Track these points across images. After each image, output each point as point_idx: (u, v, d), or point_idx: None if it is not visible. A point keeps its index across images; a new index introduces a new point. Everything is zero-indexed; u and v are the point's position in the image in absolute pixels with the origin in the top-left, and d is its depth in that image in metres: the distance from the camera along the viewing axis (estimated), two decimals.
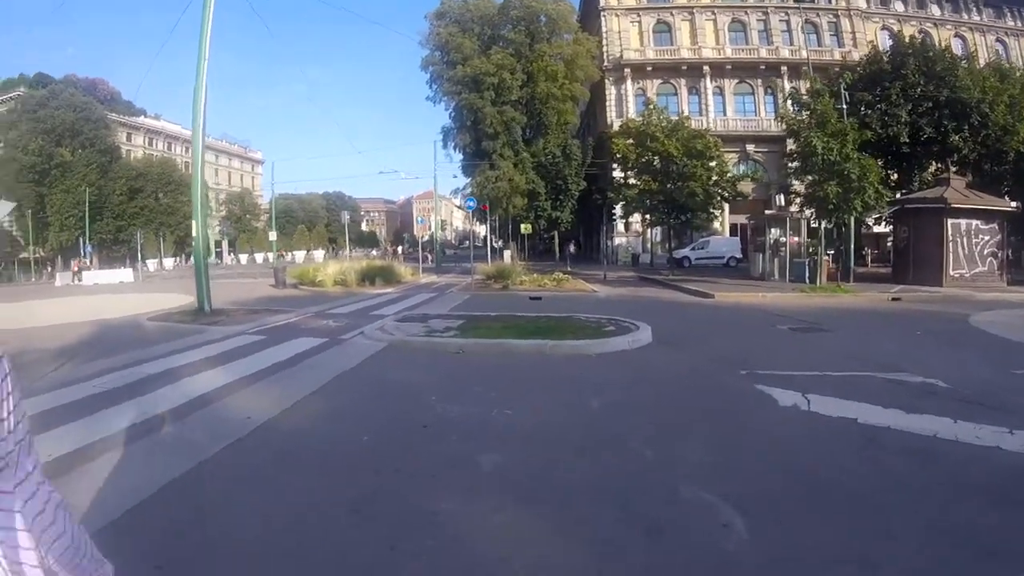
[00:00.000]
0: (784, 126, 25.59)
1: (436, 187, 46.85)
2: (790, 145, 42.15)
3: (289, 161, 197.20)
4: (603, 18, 48.84)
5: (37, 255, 59.74)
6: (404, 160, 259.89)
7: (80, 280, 40.63)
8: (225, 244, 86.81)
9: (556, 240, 48.00)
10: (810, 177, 22.42)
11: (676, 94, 46.61)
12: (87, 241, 54.15)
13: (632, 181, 29.98)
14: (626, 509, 3.79)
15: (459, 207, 50.68)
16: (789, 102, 27.00)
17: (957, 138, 26.88)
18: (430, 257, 39.46)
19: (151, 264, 61.87)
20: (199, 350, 9.84)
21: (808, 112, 23.02)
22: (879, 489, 4.08)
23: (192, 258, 59.84)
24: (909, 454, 4.75)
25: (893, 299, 18.90)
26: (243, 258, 79.52)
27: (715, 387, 7.14)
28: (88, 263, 46.39)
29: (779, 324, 12.90)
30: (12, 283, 51.37)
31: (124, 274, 44.89)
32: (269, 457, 4.85)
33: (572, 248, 45.66)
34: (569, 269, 31.95)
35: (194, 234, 16.33)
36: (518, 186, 42.15)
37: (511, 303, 17.53)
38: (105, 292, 28.76)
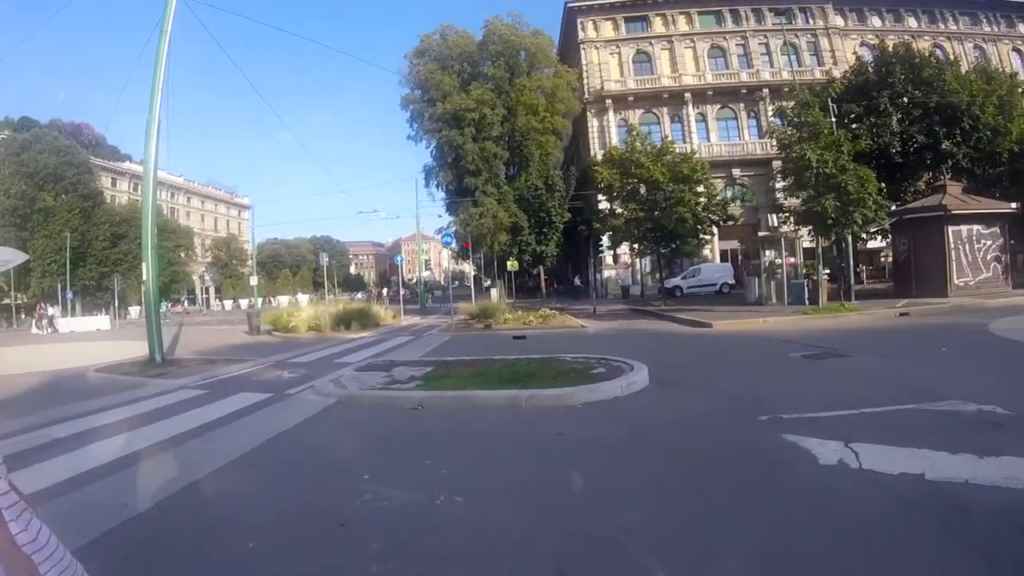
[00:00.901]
0: (774, 142, 24.56)
1: (418, 226, 45.70)
2: (777, 166, 41.65)
3: (276, 205, 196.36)
4: (582, 51, 48.63)
5: (19, 301, 58.09)
6: (389, 201, 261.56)
7: (54, 328, 39.61)
8: (212, 290, 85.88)
9: (542, 276, 46.55)
10: (804, 193, 21.25)
11: (659, 123, 45.97)
12: (68, 287, 53.16)
13: (618, 210, 28.70)
14: None
15: (451, 249, 49.33)
16: (777, 118, 26.03)
17: (949, 143, 26.25)
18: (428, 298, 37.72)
19: (134, 311, 60.39)
20: (127, 408, 8.89)
21: (799, 125, 21.90)
22: None
23: (160, 304, 58.67)
24: (1011, 522, 3.48)
25: (901, 314, 18.02)
26: (228, 304, 77.90)
27: (733, 443, 5.58)
28: (48, 311, 44.91)
29: (789, 351, 11.53)
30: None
31: (101, 321, 44.48)
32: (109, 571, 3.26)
33: (555, 284, 44.43)
34: (556, 305, 30.61)
35: (144, 278, 15.36)
36: (502, 222, 40.92)
37: (492, 344, 16.25)
38: (75, 340, 28.19)
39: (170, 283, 71.42)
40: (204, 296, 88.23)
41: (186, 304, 78.67)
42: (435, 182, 46.36)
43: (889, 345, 12.34)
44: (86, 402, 9.51)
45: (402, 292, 40.02)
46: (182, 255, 76.59)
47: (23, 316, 54.91)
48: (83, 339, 29.45)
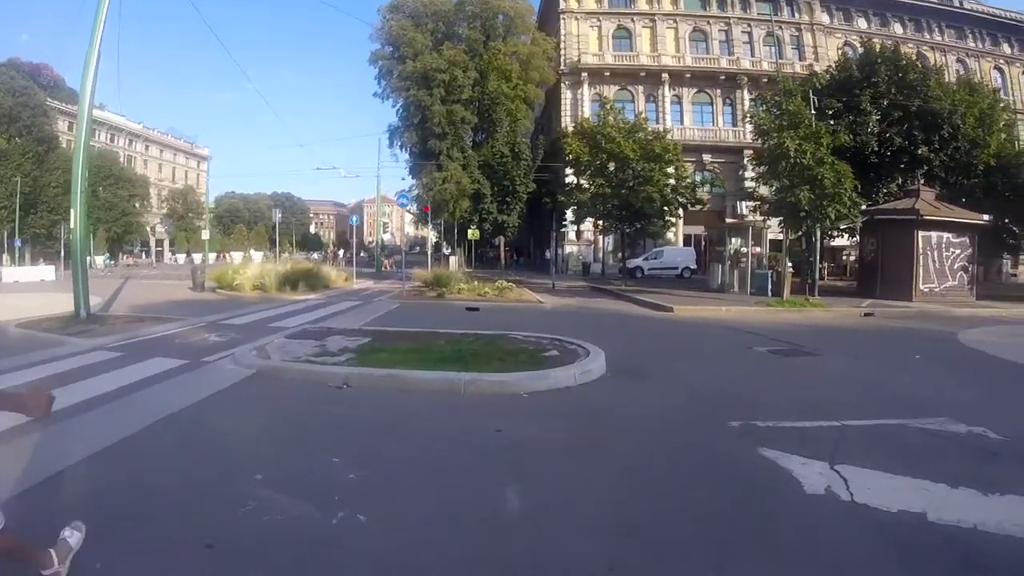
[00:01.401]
0: (750, 128, 23.86)
1: (379, 187, 44.58)
2: (748, 154, 41.24)
3: (238, 159, 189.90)
4: (562, 20, 47.13)
5: None
6: (353, 159, 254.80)
7: None
8: (166, 243, 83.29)
9: (502, 247, 45.52)
10: (778, 183, 20.61)
11: (633, 101, 44.75)
12: (17, 235, 50.66)
13: (585, 185, 27.81)
14: None
15: (409, 211, 48.09)
16: (756, 103, 25.35)
17: (927, 149, 25.68)
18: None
19: (99, 260, 57.40)
20: (32, 370, 7.90)
21: (779, 112, 21.16)
22: None
23: (104, 256, 56.16)
24: None
25: (866, 314, 17.52)
26: (181, 258, 75.35)
27: (702, 457, 4.77)
28: None
29: (755, 345, 10.84)
30: None
31: (46, 271, 41.54)
32: None
33: (516, 256, 43.47)
34: (515, 277, 29.73)
35: (72, 226, 14.16)
36: (465, 188, 39.65)
37: (441, 315, 15.32)
38: (14, 291, 25.76)
39: (123, 234, 69.13)
40: (158, 249, 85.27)
41: (137, 257, 75.91)
42: (399, 143, 44.48)
43: (858, 346, 11.72)
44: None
45: (356, 255, 38.96)
46: (136, 205, 73.49)
47: None
48: (22, 290, 27.45)
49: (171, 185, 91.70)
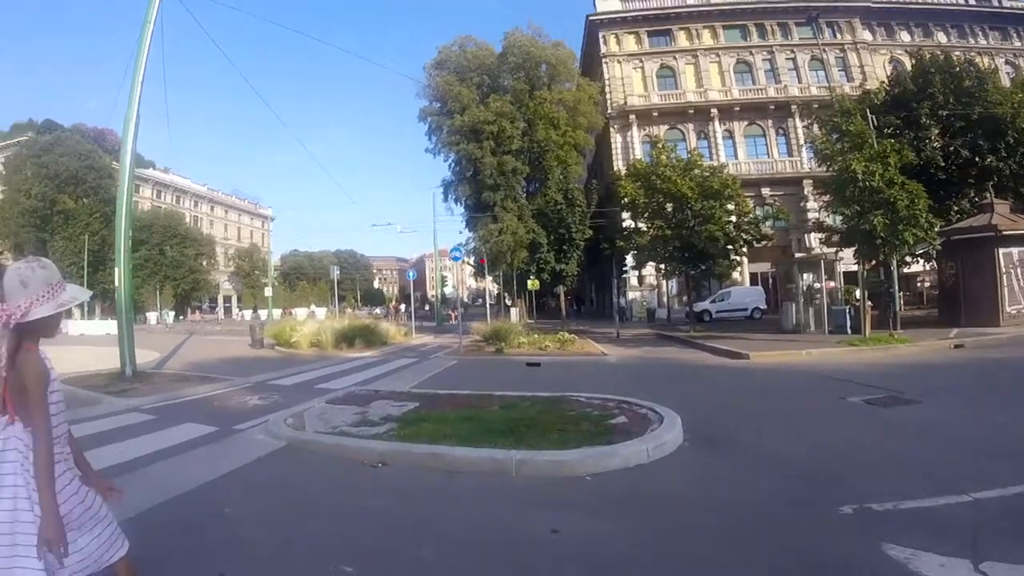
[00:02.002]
0: (810, 156, 22.58)
1: (435, 241, 44.17)
2: (808, 184, 39.72)
3: (300, 218, 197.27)
4: (605, 65, 47.20)
5: None
6: (410, 214, 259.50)
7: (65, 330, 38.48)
8: (234, 299, 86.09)
9: (562, 296, 44.52)
10: (848, 210, 19.22)
11: (685, 139, 43.96)
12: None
13: (643, 228, 26.71)
14: None
15: (470, 264, 48.08)
16: (816, 126, 24.04)
17: (994, 158, 24.05)
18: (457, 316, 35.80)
19: (152, 316, 61.19)
20: None
21: (840, 134, 19.82)
22: None
23: (167, 313, 58.41)
24: None
25: (956, 346, 16.18)
26: (247, 314, 77.35)
27: (813, 562, 3.64)
28: None
29: (846, 394, 9.53)
30: None
31: (112, 326, 42.28)
32: None
33: (576, 305, 42.45)
34: (577, 327, 28.76)
35: (116, 284, 14.21)
36: (521, 239, 39.03)
37: (499, 373, 14.53)
38: (74, 344, 27.43)
39: (191, 291, 71.90)
40: (226, 305, 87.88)
41: (205, 313, 78.32)
42: (454, 196, 44.78)
43: (961, 387, 10.38)
44: None
45: (417, 309, 38.72)
46: (203, 263, 76.52)
47: None
48: (85, 343, 28.72)
49: (236, 244, 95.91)
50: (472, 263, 46.32)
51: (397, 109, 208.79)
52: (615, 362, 16.47)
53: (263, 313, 64.03)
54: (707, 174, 25.15)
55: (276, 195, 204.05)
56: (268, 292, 50.28)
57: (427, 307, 75.73)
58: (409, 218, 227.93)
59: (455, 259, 22.61)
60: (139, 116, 13.90)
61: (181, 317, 68.84)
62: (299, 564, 3.80)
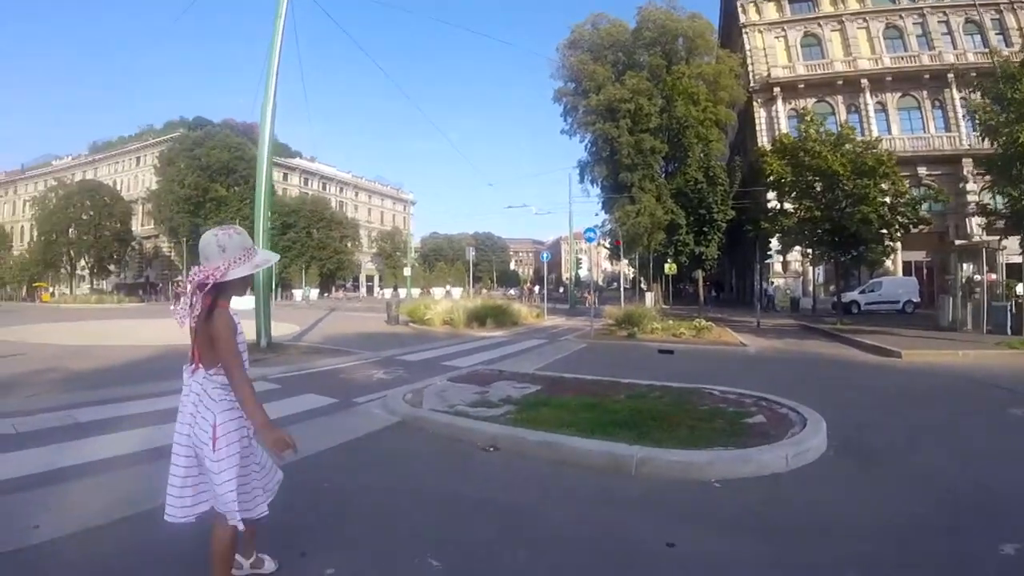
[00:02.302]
0: (975, 124, 19.97)
1: (571, 223, 43.58)
2: (967, 166, 35.52)
3: (440, 202, 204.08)
4: (745, 35, 44.48)
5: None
6: (547, 197, 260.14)
7: None
8: (376, 279, 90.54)
9: (700, 281, 42.65)
10: (1013, 192, 16.88)
11: (834, 112, 40.44)
12: None
13: (789, 209, 24.80)
14: None
15: (605, 247, 47.30)
16: (978, 94, 21.21)
17: None
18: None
19: (297, 294, 65.57)
20: (168, 399, 7.23)
21: (1006, 102, 17.38)
22: None
23: (306, 290, 62.53)
24: None
25: None
26: (388, 292, 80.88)
27: None
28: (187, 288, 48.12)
29: (1009, 405, 8.25)
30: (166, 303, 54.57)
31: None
32: None
33: (716, 291, 40.68)
34: (715, 315, 27.39)
35: None
36: (659, 221, 37.63)
37: (629, 359, 13.86)
38: None
39: (335, 270, 76.35)
40: (368, 284, 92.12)
41: (349, 291, 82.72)
42: (590, 178, 43.78)
43: None
44: (152, 384, 8.85)
45: (550, 291, 38.55)
46: (348, 245, 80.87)
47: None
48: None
49: (379, 227, 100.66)
50: (607, 245, 45.42)
51: (532, 92, 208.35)
52: (754, 354, 15.32)
53: (403, 292, 66.91)
54: (860, 149, 22.87)
55: (417, 180, 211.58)
56: (407, 272, 51.58)
57: (560, 289, 75.60)
58: (544, 200, 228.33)
59: (589, 240, 21.88)
60: (275, 105, 14.31)
61: (325, 295, 73.09)
62: (385, 550, 3.52)
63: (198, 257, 2.71)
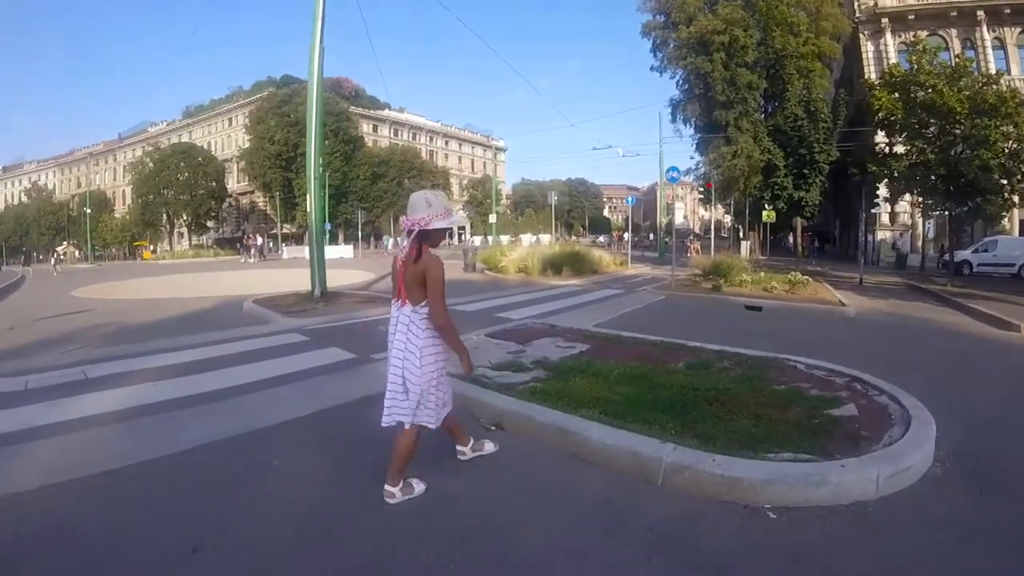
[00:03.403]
0: None
1: (661, 166, 40.65)
2: None
3: (531, 149, 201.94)
4: None
5: (286, 231, 67.81)
6: (638, 139, 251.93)
7: (261, 256, 43.72)
8: (468, 227, 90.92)
9: (798, 231, 39.56)
10: None
11: (947, 47, 35.61)
12: (327, 220, 57.92)
13: (900, 151, 21.94)
14: None
15: (698, 191, 44.72)
16: None
17: None
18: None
19: (389, 242, 66.06)
20: (209, 348, 8.15)
21: None
22: None
23: (386, 239, 63.26)
24: None
25: None
26: (477, 239, 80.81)
27: None
28: (257, 241, 50.57)
29: None
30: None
31: (345, 251, 50.97)
32: None
33: (818, 243, 37.54)
34: (815, 268, 25.14)
35: (308, 210, 14.72)
36: (756, 163, 34.87)
37: (709, 315, 12.51)
38: (301, 267, 29.95)
39: None
40: (460, 231, 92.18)
41: None
42: (682, 117, 41.09)
43: None
44: (186, 336, 9.12)
45: (630, 236, 37.11)
46: None
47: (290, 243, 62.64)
48: (302, 266, 31.53)
49: (470, 175, 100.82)
50: (700, 189, 42.82)
51: (621, 29, 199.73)
52: (853, 315, 13.21)
53: (491, 239, 66.49)
54: (979, 84, 19.73)
55: (509, 127, 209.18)
56: (492, 219, 50.76)
57: (651, 236, 73.16)
58: (636, 142, 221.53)
59: (672, 180, 19.98)
60: (323, 47, 14.02)
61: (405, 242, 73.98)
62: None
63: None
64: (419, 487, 3.55)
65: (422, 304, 3.31)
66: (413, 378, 3.32)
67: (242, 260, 41.99)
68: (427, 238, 3.31)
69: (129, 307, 14.14)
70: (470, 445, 3.98)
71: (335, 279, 19.22)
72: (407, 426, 3.43)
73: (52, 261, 40.22)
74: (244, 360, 7.27)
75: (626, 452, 3.92)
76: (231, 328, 10.06)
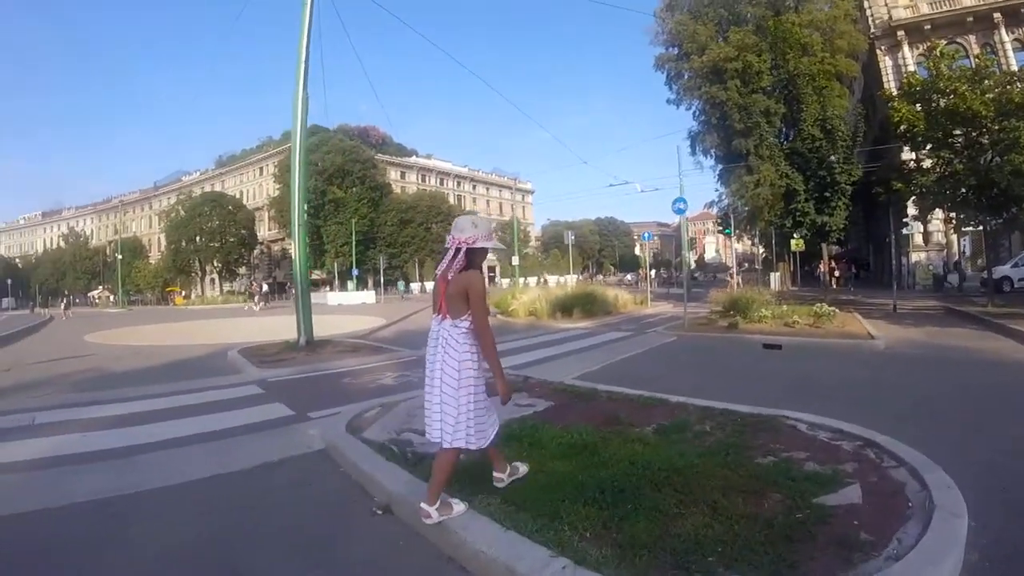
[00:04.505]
0: None
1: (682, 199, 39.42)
2: None
3: (559, 190, 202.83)
4: None
5: (316, 277, 67.35)
6: (656, 172, 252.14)
7: (263, 304, 42.36)
8: (498, 269, 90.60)
9: (825, 258, 37.76)
10: None
11: (967, 55, 32.99)
12: (354, 266, 59.80)
13: (926, 164, 20.35)
14: None
15: (718, 224, 43.44)
16: None
17: None
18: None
19: (415, 288, 66.81)
20: (158, 400, 8.11)
21: None
22: None
23: (402, 286, 63.72)
24: None
25: None
26: (506, 283, 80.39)
27: None
28: (262, 288, 49.62)
29: None
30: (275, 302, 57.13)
31: (368, 296, 51.75)
32: None
33: (854, 269, 35.89)
34: (848, 297, 23.75)
35: (294, 258, 14.72)
36: (777, 189, 33.51)
37: (718, 358, 11.50)
38: (326, 313, 30.46)
39: None
40: (490, 275, 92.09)
41: None
42: (701, 148, 39.91)
43: None
44: (160, 385, 9.43)
45: (648, 273, 36.36)
46: None
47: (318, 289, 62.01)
48: (333, 312, 32.93)
49: (498, 218, 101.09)
50: (718, 221, 41.57)
51: (630, 66, 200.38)
52: (883, 348, 11.89)
53: (521, 281, 65.85)
54: (1003, 84, 18.14)
55: (536, 166, 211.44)
56: (515, 260, 49.93)
57: (674, 272, 72.11)
58: (662, 175, 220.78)
59: (678, 212, 18.85)
60: (307, 95, 14.23)
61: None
62: None
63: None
64: (458, 507, 3.48)
65: (462, 318, 3.43)
66: (450, 390, 3.39)
67: (246, 308, 41.76)
68: (473, 256, 3.48)
69: (127, 353, 14.60)
70: (507, 472, 3.90)
71: (337, 326, 19.59)
72: (444, 445, 3.44)
73: (63, 306, 41.03)
74: (183, 414, 7.16)
75: (500, 566, 2.88)
76: (202, 378, 10.08)
